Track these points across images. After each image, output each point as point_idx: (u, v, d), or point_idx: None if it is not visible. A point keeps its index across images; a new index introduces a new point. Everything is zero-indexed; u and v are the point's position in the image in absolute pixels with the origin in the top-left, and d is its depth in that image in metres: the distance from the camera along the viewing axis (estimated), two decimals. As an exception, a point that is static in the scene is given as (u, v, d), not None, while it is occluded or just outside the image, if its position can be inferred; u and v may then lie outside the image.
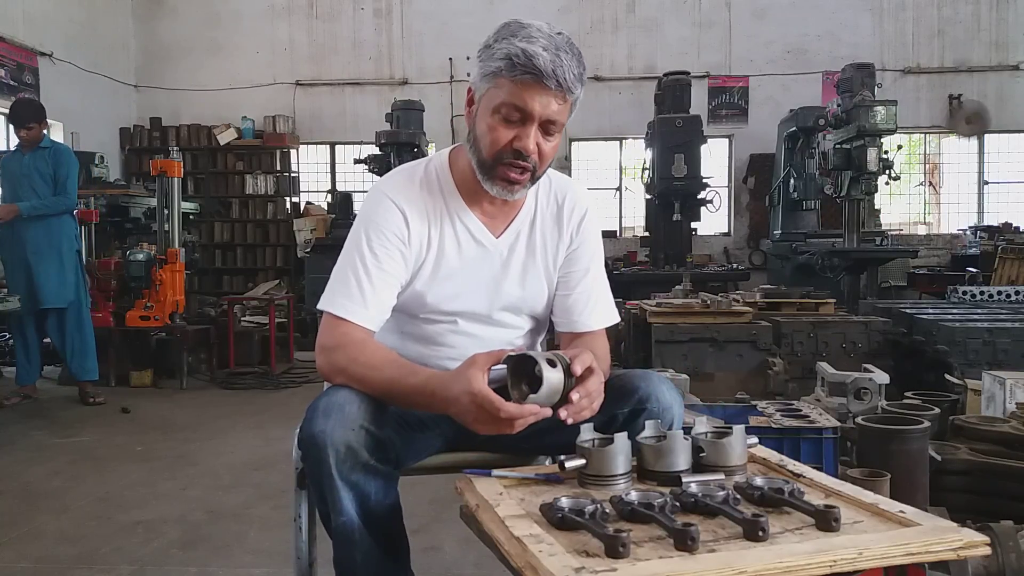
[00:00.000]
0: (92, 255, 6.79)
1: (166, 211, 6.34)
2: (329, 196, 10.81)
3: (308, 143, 11.14)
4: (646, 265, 8.89)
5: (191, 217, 9.15)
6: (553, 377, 1.35)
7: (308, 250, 9.16)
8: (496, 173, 1.54)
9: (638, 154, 10.47)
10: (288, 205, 10.95)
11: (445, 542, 2.76)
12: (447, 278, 1.64)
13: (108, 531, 2.96)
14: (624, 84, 10.61)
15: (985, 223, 10.37)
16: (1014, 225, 9.90)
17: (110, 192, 7.89)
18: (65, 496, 3.40)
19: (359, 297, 1.57)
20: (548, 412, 1.35)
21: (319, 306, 1.59)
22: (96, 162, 8.20)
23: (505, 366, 1.39)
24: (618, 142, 10.98)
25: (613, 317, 1.78)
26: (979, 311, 5.04)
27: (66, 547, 2.81)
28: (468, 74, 1.61)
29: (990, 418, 2.75)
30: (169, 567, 2.63)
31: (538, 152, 1.52)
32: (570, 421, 1.36)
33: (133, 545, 2.82)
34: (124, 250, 6.82)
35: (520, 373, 1.39)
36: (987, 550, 1.11)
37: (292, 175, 11.01)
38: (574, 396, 1.36)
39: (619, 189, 11.11)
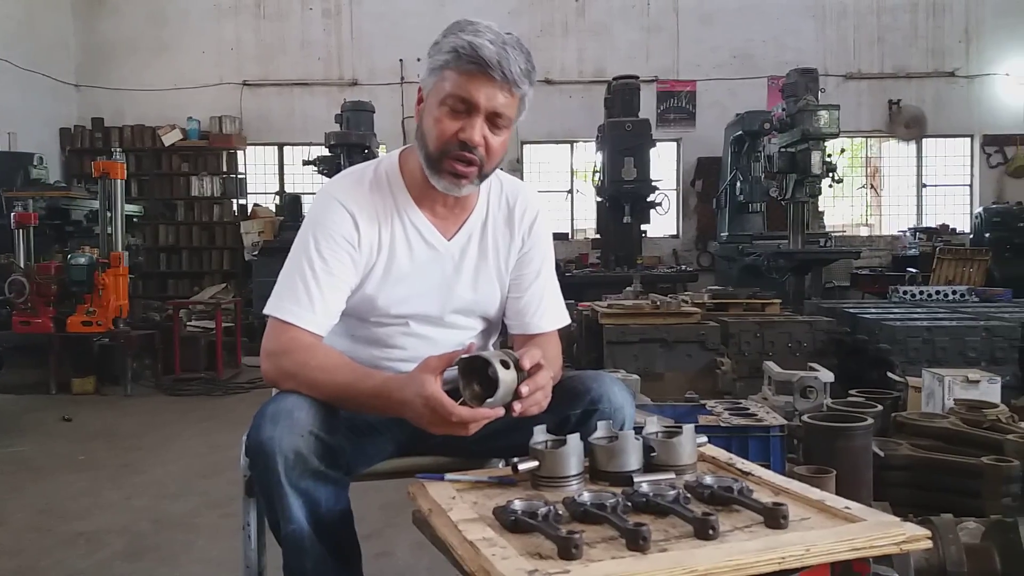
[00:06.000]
0: (31, 259, 6.58)
1: (109, 214, 6.19)
2: (277, 198, 10.66)
3: (256, 144, 10.95)
4: (597, 267, 8.96)
5: (135, 220, 8.94)
6: (507, 377, 1.35)
7: (256, 253, 9.00)
8: (443, 166, 1.53)
9: (589, 157, 10.52)
10: (235, 207, 10.73)
11: (397, 548, 2.75)
12: (398, 281, 1.63)
13: (48, 543, 2.87)
14: (575, 87, 10.67)
15: (924, 225, 10.67)
16: (951, 227, 10.23)
17: (50, 194, 7.66)
18: (2, 508, 3.29)
19: (307, 302, 1.54)
20: (501, 412, 1.35)
21: (265, 311, 1.56)
22: (35, 163, 7.98)
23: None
24: (569, 145, 11.03)
25: (564, 319, 1.79)
26: (919, 310, 5.18)
27: (3, 561, 2.72)
28: (419, 75, 1.60)
29: (930, 414, 2.82)
30: (113, 579, 2.57)
31: (485, 146, 1.52)
32: (517, 412, 1.36)
33: (74, 557, 2.74)
34: (65, 254, 6.62)
35: (471, 373, 1.39)
36: (929, 544, 1.14)
37: (239, 177, 10.80)
38: (524, 389, 1.37)
39: (571, 192, 11.16)
